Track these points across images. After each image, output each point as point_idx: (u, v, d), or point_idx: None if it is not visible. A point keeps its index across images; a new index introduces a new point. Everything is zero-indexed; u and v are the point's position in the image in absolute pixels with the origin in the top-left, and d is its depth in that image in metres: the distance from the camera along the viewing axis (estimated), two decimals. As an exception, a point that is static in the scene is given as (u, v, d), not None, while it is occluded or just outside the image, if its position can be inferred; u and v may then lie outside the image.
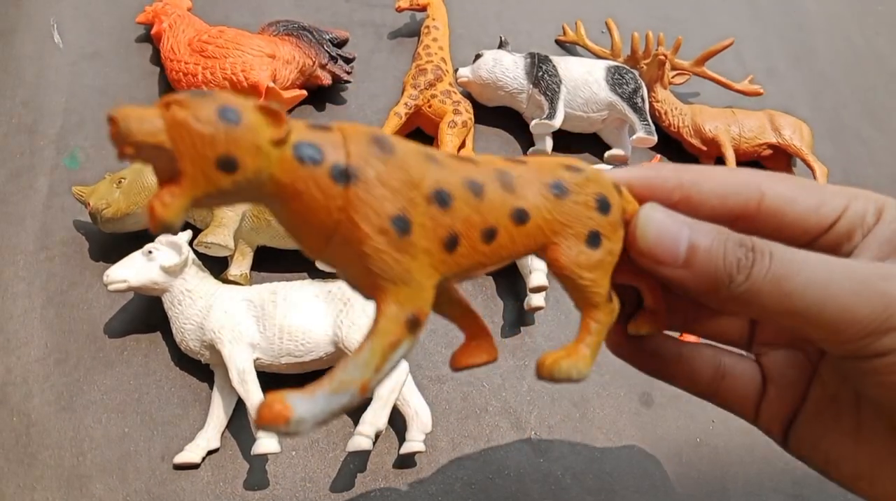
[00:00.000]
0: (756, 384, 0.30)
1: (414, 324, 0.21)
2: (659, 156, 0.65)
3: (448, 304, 0.26)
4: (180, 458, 0.45)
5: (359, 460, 0.47)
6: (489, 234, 0.22)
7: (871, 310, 0.23)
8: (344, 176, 0.20)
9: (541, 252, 0.24)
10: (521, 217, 0.23)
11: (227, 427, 0.47)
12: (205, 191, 0.19)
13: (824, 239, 0.27)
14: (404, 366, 0.45)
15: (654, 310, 0.28)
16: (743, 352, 0.31)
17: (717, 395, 0.31)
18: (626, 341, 0.30)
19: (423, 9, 0.70)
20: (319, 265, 0.50)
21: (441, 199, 0.21)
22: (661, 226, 0.25)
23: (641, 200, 0.26)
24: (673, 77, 0.70)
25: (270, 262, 0.54)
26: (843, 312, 0.23)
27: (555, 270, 0.24)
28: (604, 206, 0.24)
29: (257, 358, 0.46)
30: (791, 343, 0.30)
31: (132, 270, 0.47)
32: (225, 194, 0.19)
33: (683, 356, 0.31)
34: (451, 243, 0.22)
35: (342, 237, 0.20)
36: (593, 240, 0.24)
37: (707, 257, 0.25)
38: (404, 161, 0.21)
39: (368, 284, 0.21)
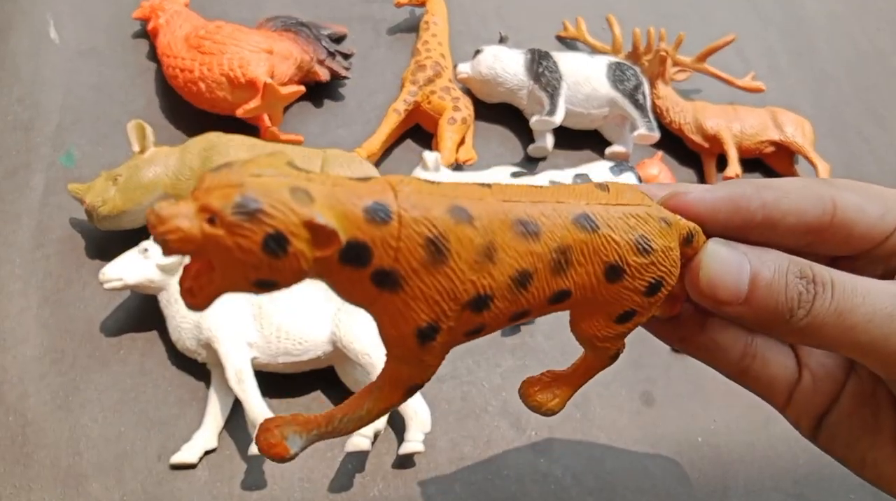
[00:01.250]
0: (790, 370, 0.29)
1: (412, 391, 0.22)
2: (660, 152, 0.65)
3: None
4: (177, 458, 0.45)
5: (357, 460, 0.47)
6: (518, 316, 0.22)
7: None
8: (385, 280, 0.19)
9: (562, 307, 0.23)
10: (560, 298, 0.22)
11: (225, 426, 0.47)
12: (238, 292, 0.18)
13: (884, 246, 0.26)
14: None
15: (672, 295, 0.26)
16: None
17: (745, 376, 0.29)
18: None
19: (423, 4, 0.69)
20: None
21: (478, 305, 0.20)
22: (728, 266, 0.24)
23: (722, 223, 0.25)
24: (674, 73, 0.69)
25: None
26: None
27: (573, 329, 0.24)
28: (653, 289, 0.23)
29: (254, 358, 0.46)
30: None
31: (128, 268, 0.46)
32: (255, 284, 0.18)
33: (706, 328, 0.28)
34: (474, 333, 0.22)
35: (367, 310, 0.20)
36: (625, 317, 0.23)
37: (767, 292, 0.24)
38: (454, 270, 0.20)
39: (386, 350, 0.22)
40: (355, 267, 0.19)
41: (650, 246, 0.22)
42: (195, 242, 0.17)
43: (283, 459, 0.21)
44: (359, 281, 0.19)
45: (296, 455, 0.21)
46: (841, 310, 0.23)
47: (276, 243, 0.17)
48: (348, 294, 0.20)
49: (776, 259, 0.24)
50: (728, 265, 0.24)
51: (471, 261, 0.20)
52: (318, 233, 0.17)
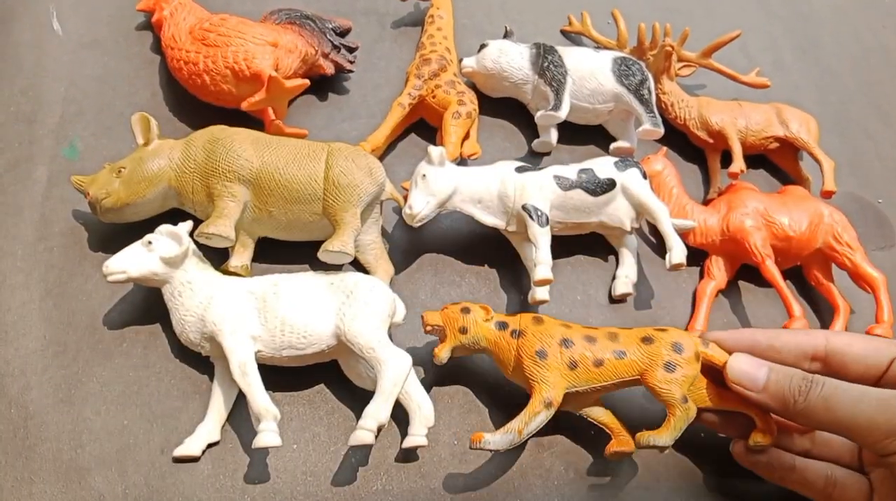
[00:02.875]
0: (865, 494, 0.43)
1: (548, 404, 0.44)
2: (665, 148, 0.65)
3: (599, 413, 0.47)
4: (180, 451, 0.45)
5: (361, 454, 0.47)
6: (598, 363, 0.45)
7: (887, 420, 0.36)
8: (516, 334, 0.46)
9: (640, 377, 0.45)
10: (620, 354, 0.45)
11: (228, 420, 0.47)
12: (453, 343, 0.46)
13: (884, 379, 0.40)
14: (408, 361, 0.44)
15: (765, 429, 0.44)
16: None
17: (830, 500, 0.44)
18: (749, 454, 0.45)
19: (427, -2, 0.69)
20: (321, 256, 0.49)
21: (566, 343, 0.45)
22: (745, 367, 0.42)
23: (731, 350, 0.44)
24: (679, 69, 0.69)
25: (271, 254, 0.53)
26: (869, 422, 0.36)
27: (645, 384, 0.45)
28: (678, 348, 0.45)
29: (258, 351, 0.46)
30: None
31: (132, 261, 0.46)
32: (463, 345, 0.46)
33: (797, 468, 0.44)
34: (572, 365, 0.45)
35: (516, 363, 0.46)
36: (669, 367, 0.44)
37: (778, 385, 0.40)
38: (548, 326, 0.46)
39: (527, 384, 0.45)
40: (502, 330, 0.47)
41: (666, 329, 0.47)
42: (438, 319, 0.47)
43: (481, 441, 0.43)
44: (506, 338, 0.46)
45: (487, 442, 0.44)
46: (826, 397, 0.38)
47: (468, 309, 0.47)
48: (506, 349, 0.46)
49: (785, 367, 0.41)
50: (749, 367, 0.42)
51: (557, 325, 0.46)
52: (482, 307, 0.47)
